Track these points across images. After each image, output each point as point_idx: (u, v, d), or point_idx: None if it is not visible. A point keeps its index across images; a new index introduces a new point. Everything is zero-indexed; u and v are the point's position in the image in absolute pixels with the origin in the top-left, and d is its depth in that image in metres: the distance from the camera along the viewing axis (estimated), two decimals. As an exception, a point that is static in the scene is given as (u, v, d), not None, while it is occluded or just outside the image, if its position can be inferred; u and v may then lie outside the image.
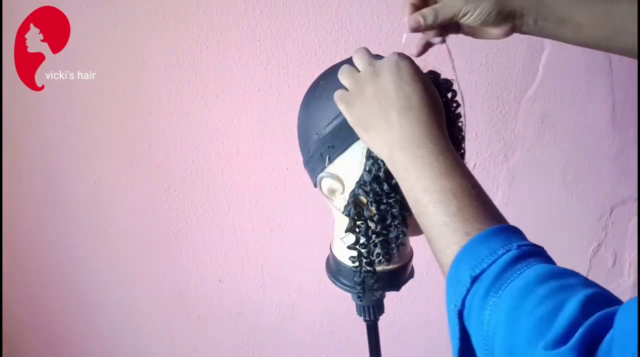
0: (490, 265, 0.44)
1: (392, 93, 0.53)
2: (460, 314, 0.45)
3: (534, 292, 0.40)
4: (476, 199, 0.48)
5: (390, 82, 0.54)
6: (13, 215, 1.16)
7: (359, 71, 0.58)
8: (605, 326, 0.36)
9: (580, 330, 0.36)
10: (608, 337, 0.35)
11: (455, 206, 0.48)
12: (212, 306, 1.28)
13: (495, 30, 0.61)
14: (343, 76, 0.58)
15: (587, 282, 0.42)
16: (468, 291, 0.44)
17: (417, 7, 0.60)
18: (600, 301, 0.38)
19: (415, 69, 0.55)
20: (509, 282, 0.42)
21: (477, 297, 0.43)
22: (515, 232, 0.47)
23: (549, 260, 0.45)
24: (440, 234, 0.48)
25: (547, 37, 0.61)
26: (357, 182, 0.62)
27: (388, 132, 0.53)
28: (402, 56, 0.56)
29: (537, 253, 0.45)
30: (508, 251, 0.44)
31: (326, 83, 0.63)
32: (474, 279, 0.44)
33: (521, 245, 0.45)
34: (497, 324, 0.41)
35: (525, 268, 0.42)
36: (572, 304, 0.38)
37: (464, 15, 0.58)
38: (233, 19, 1.01)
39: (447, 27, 0.62)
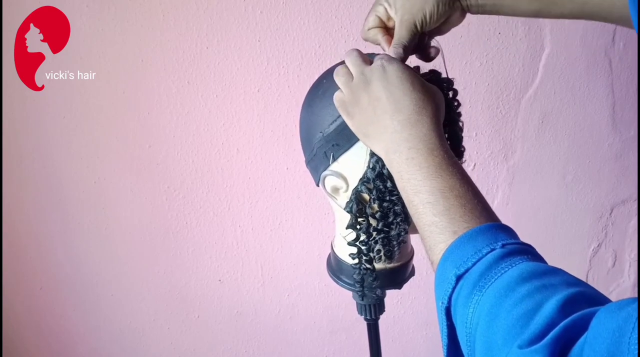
0: (474, 263, 0.44)
1: (383, 99, 0.55)
2: (448, 312, 0.46)
3: (515, 291, 0.40)
4: (465, 198, 0.49)
5: (381, 89, 0.55)
6: (13, 215, 1.16)
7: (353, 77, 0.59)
8: (582, 326, 0.36)
9: (555, 330, 0.36)
10: (582, 338, 0.35)
11: (443, 205, 0.49)
12: (212, 306, 1.28)
13: (452, 19, 0.63)
14: (339, 82, 0.59)
15: (571, 281, 0.42)
16: (453, 289, 0.45)
17: (385, 29, 0.63)
18: (582, 301, 0.38)
19: (403, 70, 0.56)
20: (492, 281, 0.42)
21: (462, 296, 0.44)
22: (503, 230, 0.47)
23: (536, 258, 0.45)
24: (429, 234, 0.49)
25: (491, 14, 0.63)
26: (361, 179, 0.62)
27: (384, 137, 0.55)
28: (388, 59, 0.57)
29: (523, 251, 0.45)
30: (493, 250, 0.44)
31: (329, 82, 0.63)
32: (459, 278, 0.45)
33: (507, 243, 0.45)
34: (478, 322, 0.42)
35: (510, 267, 0.43)
36: (551, 304, 0.38)
37: (422, 24, 0.60)
38: (233, 19, 1.01)
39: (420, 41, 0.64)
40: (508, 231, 0.47)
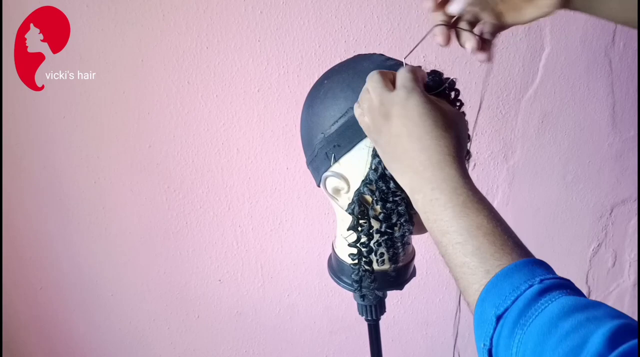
0: (513, 302, 0.43)
1: (404, 137, 0.53)
2: (490, 353, 0.45)
3: (558, 327, 0.39)
4: (494, 235, 0.48)
5: (401, 126, 0.53)
6: (13, 215, 1.16)
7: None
8: None
9: None
10: None
11: (472, 245, 0.47)
12: (212, 306, 1.28)
13: (543, 2, 0.56)
14: (364, 109, 0.56)
15: (615, 313, 0.40)
16: (494, 329, 0.44)
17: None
18: (629, 333, 0.37)
19: (425, 104, 0.53)
20: (534, 318, 0.41)
21: (503, 336, 0.43)
22: (539, 265, 0.46)
23: (575, 292, 0.44)
24: (462, 275, 0.48)
25: (590, 14, 0.57)
26: (363, 180, 0.62)
27: (406, 175, 0.54)
28: (410, 90, 0.53)
29: (562, 285, 0.44)
30: (531, 286, 0.43)
31: (330, 83, 0.63)
32: (499, 318, 0.44)
33: (544, 278, 0.44)
34: None
35: (550, 302, 0.42)
36: (597, 338, 0.37)
37: (506, 20, 0.56)
38: (233, 19, 1.01)
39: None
40: (544, 266, 0.46)
